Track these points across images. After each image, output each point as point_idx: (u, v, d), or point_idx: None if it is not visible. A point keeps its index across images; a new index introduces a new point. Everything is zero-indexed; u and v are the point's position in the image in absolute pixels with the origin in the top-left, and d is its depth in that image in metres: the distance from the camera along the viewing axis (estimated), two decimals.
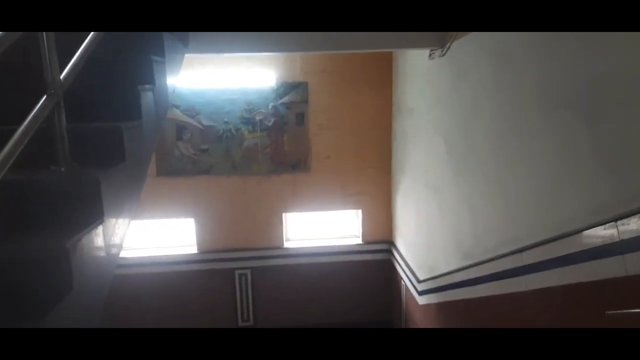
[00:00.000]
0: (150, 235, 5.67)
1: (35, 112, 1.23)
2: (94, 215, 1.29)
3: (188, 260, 5.56)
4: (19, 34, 1.11)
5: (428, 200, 4.10)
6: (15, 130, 1.17)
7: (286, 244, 5.71)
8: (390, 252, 5.65)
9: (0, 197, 1.19)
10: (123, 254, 5.47)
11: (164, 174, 5.31)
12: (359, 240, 5.77)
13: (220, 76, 5.17)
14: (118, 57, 1.88)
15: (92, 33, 1.54)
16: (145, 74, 1.84)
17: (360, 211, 5.69)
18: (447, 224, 3.61)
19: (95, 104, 1.62)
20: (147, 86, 1.77)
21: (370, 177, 5.55)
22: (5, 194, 1.22)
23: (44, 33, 1.25)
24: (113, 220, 1.38)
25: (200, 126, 5.25)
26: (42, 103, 1.26)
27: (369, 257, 5.73)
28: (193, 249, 5.60)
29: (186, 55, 2.95)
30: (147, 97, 1.77)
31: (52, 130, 1.32)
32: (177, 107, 5.18)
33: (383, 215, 5.64)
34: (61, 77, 1.33)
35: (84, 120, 1.59)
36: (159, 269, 5.50)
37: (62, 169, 1.36)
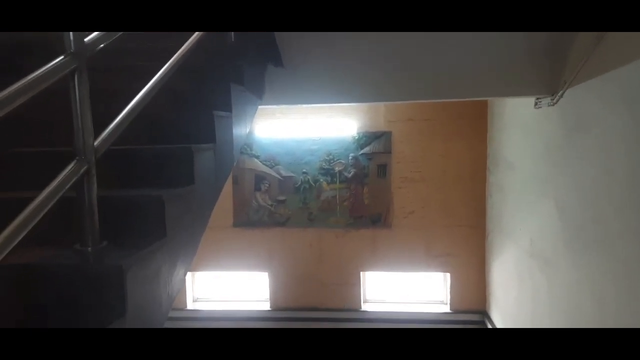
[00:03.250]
0: (223, 288, 5.54)
1: (60, 180, 1.03)
2: (114, 312, 1.05)
3: (260, 317, 5.32)
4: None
5: (533, 272, 3.47)
6: (33, 199, 0.97)
7: (364, 306, 5.26)
8: (483, 324, 4.95)
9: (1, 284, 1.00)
10: (191, 305, 5.42)
11: (241, 225, 5.21)
12: (447, 308, 5.14)
13: (301, 126, 5.05)
14: (179, 112, 1.72)
15: (144, 89, 1.37)
16: (204, 130, 1.65)
17: (448, 274, 5.10)
18: (560, 307, 2.97)
19: (140, 165, 1.43)
20: (204, 145, 1.57)
21: (461, 236, 4.99)
22: (6, 279, 1.02)
23: (77, 90, 1.07)
24: (138, 319, 1.12)
25: (278, 177, 5.13)
26: (68, 170, 1.06)
27: (458, 327, 5.06)
28: (266, 305, 5.36)
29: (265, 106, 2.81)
30: (203, 158, 1.56)
31: (80, 201, 1.12)
32: (257, 157, 5.13)
33: (475, 281, 5.00)
34: (96, 142, 1.14)
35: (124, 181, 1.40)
36: (228, 325, 5.31)
37: (89, 248, 1.14)
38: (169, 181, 1.41)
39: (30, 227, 0.92)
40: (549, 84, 2.81)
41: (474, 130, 4.85)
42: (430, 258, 5.04)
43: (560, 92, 2.72)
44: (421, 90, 2.87)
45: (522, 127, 3.76)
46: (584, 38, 2.41)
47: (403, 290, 5.32)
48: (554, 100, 2.82)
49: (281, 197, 5.15)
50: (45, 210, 0.97)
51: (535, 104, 3.14)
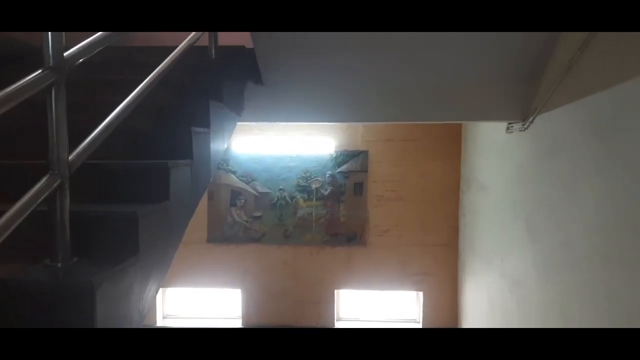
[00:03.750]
0: (194, 305, 5.43)
1: (32, 194, 1.01)
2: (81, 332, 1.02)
3: None
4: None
5: (504, 292, 3.54)
6: (3, 212, 0.95)
7: (337, 324, 5.23)
8: None
9: None
10: (161, 322, 5.29)
11: (215, 241, 5.15)
12: (419, 326, 5.16)
13: (279, 143, 5.07)
14: (156, 127, 1.71)
15: (123, 103, 1.36)
16: (181, 146, 1.64)
17: (421, 293, 5.14)
18: (530, 326, 3.03)
19: (115, 180, 1.42)
20: (180, 161, 1.56)
21: (434, 255, 5.05)
22: None
23: (54, 104, 1.06)
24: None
25: (255, 193, 5.11)
26: (41, 183, 1.04)
27: None
28: (238, 323, 5.28)
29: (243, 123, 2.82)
30: (180, 174, 1.55)
31: (52, 215, 1.10)
32: (234, 172, 5.11)
33: (448, 300, 5.05)
34: (71, 156, 1.12)
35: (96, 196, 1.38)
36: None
37: (59, 264, 1.12)
38: (144, 197, 1.39)
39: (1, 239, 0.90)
40: (520, 110, 2.90)
41: (449, 152, 4.96)
42: (404, 276, 5.07)
43: (531, 117, 2.82)
44: (398, 111, 2.93)
45: (494, 150, 3.85)
46: (554, 66, 2.52)
47: (376, 309, 5.33)
48: (525, 126, 2.92)
49: (257, 213, 5.13)
50: (16, 224, 0.95)
51: (507, 128, 3.24)
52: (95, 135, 1.21)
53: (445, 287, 5.05)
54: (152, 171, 1.42)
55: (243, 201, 5.12)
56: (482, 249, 4.19)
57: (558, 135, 2.60)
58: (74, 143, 1.14)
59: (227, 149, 4.88)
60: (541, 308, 2.84)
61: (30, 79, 0.97)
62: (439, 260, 5.04)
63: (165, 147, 1.60)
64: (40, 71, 1.01)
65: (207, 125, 1.85)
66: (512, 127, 3.18)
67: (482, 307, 4.18)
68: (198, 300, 5.42)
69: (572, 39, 2.29)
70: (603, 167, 2.15)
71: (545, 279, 2.78)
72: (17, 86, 0.94)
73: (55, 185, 1.06)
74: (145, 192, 1.40)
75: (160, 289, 5.43)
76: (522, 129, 2.97)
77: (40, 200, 1.01)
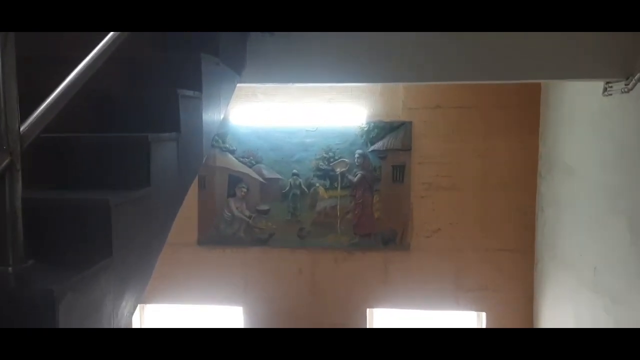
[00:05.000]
0: (182, 326, 5.54)
1: None
2: None
3: None
4: None
5: (598, 313, 3.51)
6: None
7: None
8: None
9: None
10: None
11: (208, 243, 5.22)
12: None
13: (291, 112, 5.08)
14: (134, 89, 1.73)
15: (90, 55, 1.38)
16: (166, 115, 1.66)
17: (483, 314, 5.13)
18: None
19: (81, 158, 1.44)
20: (165, 135, 1.58)
21: (500, 264, 5.02)
22: None
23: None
24: None
25: (260, 179, 5.15)
26: None
27: None
28: None
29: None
30: (164, 151, 1.57)
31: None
32: (233, 151, 5.15)
33: (519, 323, 5.03)
34: (23, 126, 1.14)
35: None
36: None
37: (9, 268, 1.15)
38: (118, 181, 1.42)
39: None
40: (623, 64, 2.84)
41: (522, 124, 4.90)
42: (460, 292, 5.07)
43: (638, 74, 2.77)
44: (454, 68, 2.89)
45: (586, 121, 3.81)
46: None
47: None
48: (629, 86, 2.87)
49: (263, 207, 5.17)
50: None
51: (605, 90, 3.18)
52: (53, 99, 1.23)
53: (516, 306, 5.03)
54: (128, 147, 1.44)
55: (245, 190, 5.16)
56: (567, 255, 4.16)
57: None
58: (27, 111, 1.16)
59: (224, 120, 4.93)
60: None
61: None
62: (507, 270, 5.01)
63: (144, 116, 1.62)
64: None
65: (198, 87, 1.86)
66: (611, 88, 3.12)
67: None
68: (187, 321, 5.52)
69: None
70: None
71: None
72: None
73: (4, 165, 1.08)
74: (120, 174, 1.43)
75: (139, 305, 5.55)
76: (625, 90, 2.91)
77: None
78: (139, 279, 1.46)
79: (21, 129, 1.13)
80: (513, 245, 5.01)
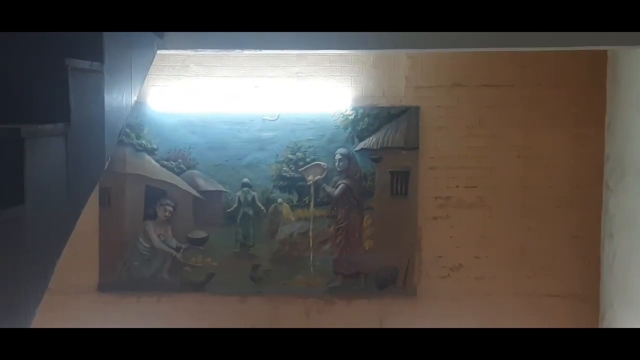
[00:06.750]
0: None
1: None
2: None
3: None
4: None
5: None
6: None
7: None
8: None
9: None
10: None
11: (114, 289, 5.21)
12: None
13: (240, 92, 5.09)
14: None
15: None
16: (48, 97, 1.67)
17: None
18: None
19: None
20: (47, 126, 1.58)
21: (553, 315, 5.12)
22: None
23: None
24: None
25: (194, 192, 5.16)
26: None
27: None
28: None
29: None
30: (45, 151, 1.57)
31: None
32: (151, 151, 5.14)
33: None
34: None
35: None
36: None
37: None
38: None
39: None
40: None
41: (581, 111, 4.99)
42: None
43: None
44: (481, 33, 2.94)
45: None
46: None
47: None
48: None
49: (198, 234, 5.19)
50: None
51: None
52: None
53: None
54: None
55: (170, 209, 5.18)
56: None
57: None
58: None
59: (139, 105, 4.91)
60: None
61: None
62: (562, 324, 5.05)
63: (16, 99, 1.62)
64: None
65: (98, 55, 1.87)
66: None
67: None
68: None
69: None
70: None
71: None
72: None
73: None
74: None
75: None
76: None
77: None
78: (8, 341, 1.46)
79: None
80: (570, 289, 5.10)
